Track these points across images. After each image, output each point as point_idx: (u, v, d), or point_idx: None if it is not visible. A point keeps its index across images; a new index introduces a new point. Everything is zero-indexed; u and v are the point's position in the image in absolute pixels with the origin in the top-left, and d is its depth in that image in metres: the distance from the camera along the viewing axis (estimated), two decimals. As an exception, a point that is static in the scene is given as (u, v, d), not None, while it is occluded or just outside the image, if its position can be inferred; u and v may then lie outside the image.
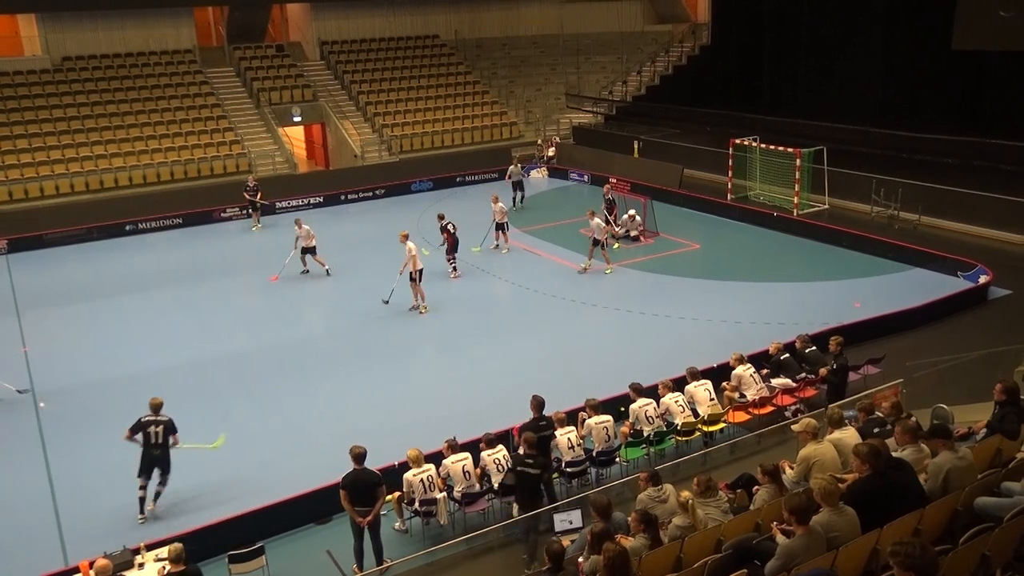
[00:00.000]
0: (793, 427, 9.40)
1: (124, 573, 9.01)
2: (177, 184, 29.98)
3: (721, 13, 38.32)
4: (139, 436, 11.49)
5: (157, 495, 11.72)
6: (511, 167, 28.99)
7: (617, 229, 23.80)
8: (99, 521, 11.59)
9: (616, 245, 23.16)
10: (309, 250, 21.91)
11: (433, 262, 20.97)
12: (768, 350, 13.69)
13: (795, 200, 24.38)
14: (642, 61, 40.22)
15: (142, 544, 9.77)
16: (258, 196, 27.82)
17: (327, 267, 21.98)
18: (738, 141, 26.25)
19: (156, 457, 11.57)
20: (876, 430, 9.40)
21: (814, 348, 13.56)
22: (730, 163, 26.61)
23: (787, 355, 13.43)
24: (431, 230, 23.62)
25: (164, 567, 8.91)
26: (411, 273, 18.77)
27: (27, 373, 16.72)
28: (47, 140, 29.68)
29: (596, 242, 21.02)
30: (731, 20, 37.49)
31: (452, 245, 21.36)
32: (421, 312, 18.99)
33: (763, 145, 25.68)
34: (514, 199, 28.41)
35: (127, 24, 34.09)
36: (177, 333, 18.69)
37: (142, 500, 11.57)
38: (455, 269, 21.46)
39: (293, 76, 35.66)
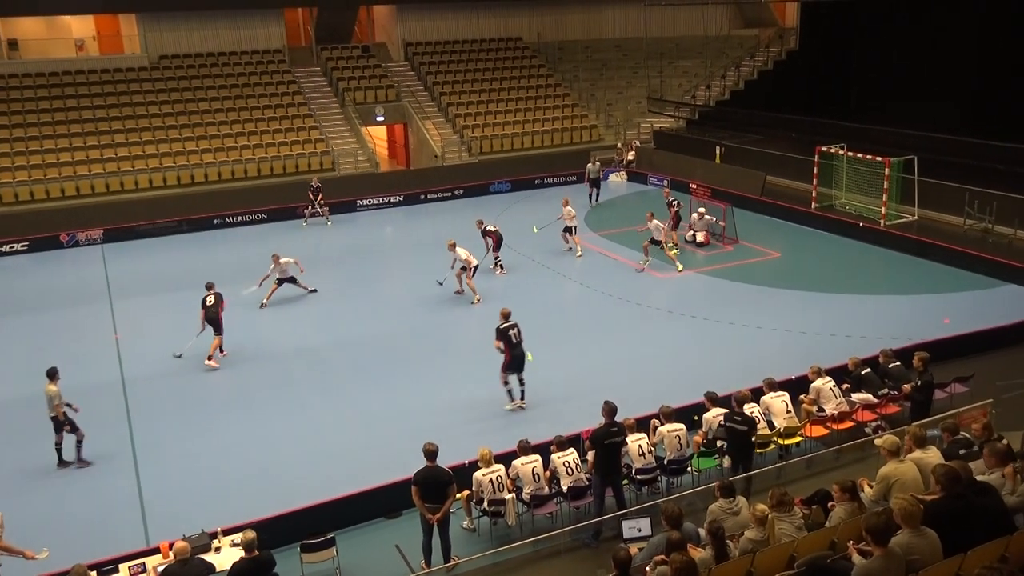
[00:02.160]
0: (876, 442, 9.12)
1: (201, 556, 9.26)
2: (264, 180, 30.81)
3: (810, 18, 37.42)
4: (502, 343, 14.05)
5: (523, 393, 14.37)
6: (589, 165, 29.91)
7: (682, 233, 23.77)
8: (180, 504, 11.98)
9: (673, 251, 23.00)
10: (287, 280, 20.57)
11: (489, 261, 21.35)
12: (847, 364, 13.32)
13: (883, 210, 23.67)
14: (727, 65, 39.59)
15: (219, 529, 10.07)
16: (318, 198, 28.24)
17: (311, 289, 21.08)
18: (824, 149, 25.64)
19: (521, 355, 14.16)
20: (962, 451, 9.03)
21: (898, 364, 13.12)
22: (815, 171, 26.00)
23: (869, 370, 13.03)
24: (508, 230, 23.69)
25: (242, 555, 9.15)
26: (466, 268, 20.02)
27: (118, 359, 17.41)
28: (143, 135, 30.86)
29: (655, 242, 21.65)
30: (820, 25, 36.57)
31: (496, 243, 22.07)
32: (475, 303, 19.89)
33: (850, 153, 25.00)
34: (590, 196, 29.35)
35: (220, 24, 35.25)
36: (256, 326, 19.20)
37: (511, 392, 14.30)
38: (501, 267, 22.15)
39: (377, 76, 36.27)
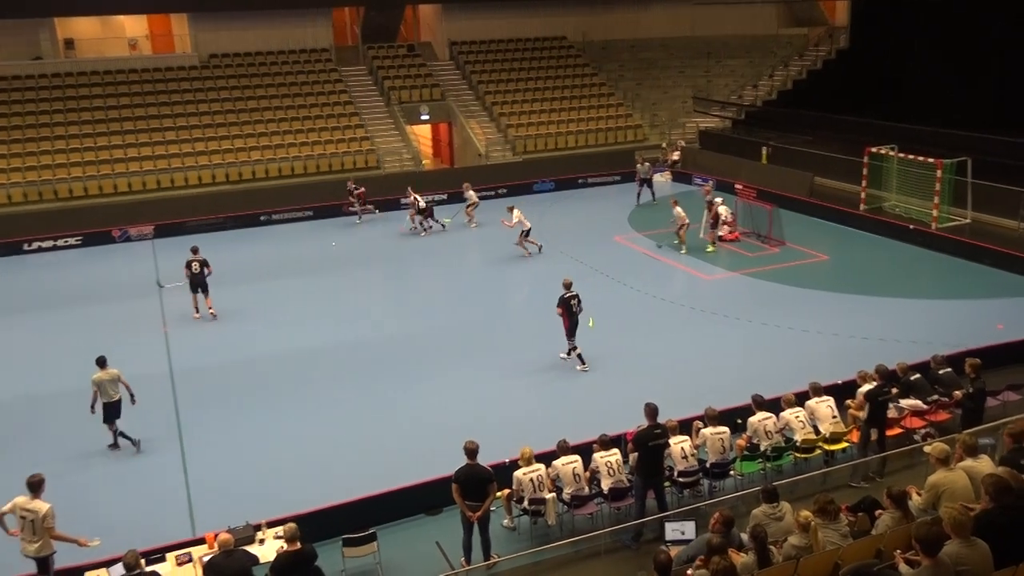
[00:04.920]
0: (925, 449, 8.94)
1: (245, 547, 9.40)
2: (309, 177, 31.16)
3: (861, 16, 36.78)
4: (562, 309, 15.65)
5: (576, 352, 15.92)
6: (639, 166, 29.87)
7: (719, 232, 23.71)
8: (225, 496, 12.19)
9: (710, 248, 23.02)
10: (424, 211, 26.42)
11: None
12: (895, 370, 13.06)
13: (934, 213, 23.18)
14: (775, 65, 39.13)
15: (263, 521, 10.21)
16: (359, 196, 28.48)
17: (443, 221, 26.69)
18: (874, 150, 25.19)
19: (577, 322, 15.83)
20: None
21: (949, 370, 12.84)
22: (864, 172, 25.55)
23: (918, 376, 12.78)
24: (554, 230, 23.77)
25: (282, 546, 9.29)
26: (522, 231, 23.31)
27: (167, 352, 17.75)
28: (192, 133, 31.42)
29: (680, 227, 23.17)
30: (871, 23, 35.91)
31: (423, 212, 26.75)
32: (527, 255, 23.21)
33: (901, 154, 24.52)
34: (638, 195, 29.56)
35: (269, 24, 35.71)
36: (301, 320, 19.46)
37: (580, 356, 15.92)
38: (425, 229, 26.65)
39: (423, 75, 36.47)
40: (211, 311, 19.75)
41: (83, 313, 20.66)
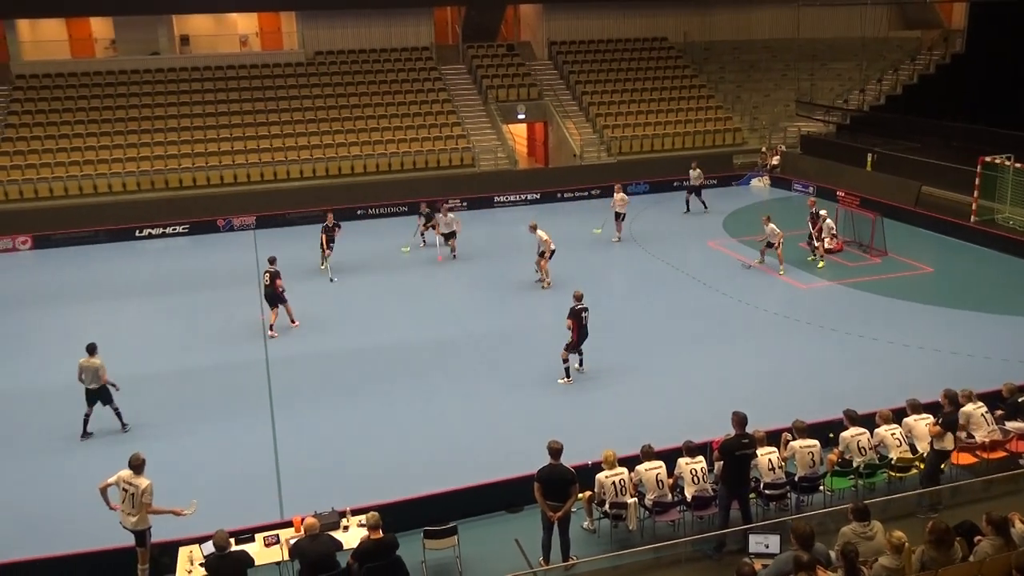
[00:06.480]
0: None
1: (330, 533, 9.65)
2: (406, 174, 31.70)
3: (979, 19, 35.11)
4: (573, 322, 15.30)
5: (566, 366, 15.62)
6: (691, 172, 28.95)
7: (824, 245, 22.72)
8: (313, 482, 12.52)
9: (821, 264, 22.14)
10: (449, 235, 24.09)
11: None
12: (1001, 390, 12.45)
13: (1052, 227, 22.03)
14: (884, 69, 37.77)
15: (348, 508, 10.44)
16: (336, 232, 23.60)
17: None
18: (988, 159, 24.04)
19: (585, 335, 15.50)
20: None
21: (1061, 393, 12.17)
22: (977, 182, 24.43)
23: (1027, 398, 12.15)
24: (647, 234, 23.53)
25: (366, 533, 9.48)
26: (544, 252, 21.04)
27: (263, 339, 18.33)
28: (296, 127, 32.38)
29: (769, 244, 21.81)
30: (990, 26, 34.24)
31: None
32: (544, 287, 21.09)
33: (1018, 164, 23.34)
34: (687, 202, 28.87)
35: (373, 22, 36.54)
36: (389, 315, 19.83)
37: (567, 369, 15.60)
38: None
39: (521, 75, 36.62)
40: (292, 322, 18.84)
41: (187, 299, 21.52)
